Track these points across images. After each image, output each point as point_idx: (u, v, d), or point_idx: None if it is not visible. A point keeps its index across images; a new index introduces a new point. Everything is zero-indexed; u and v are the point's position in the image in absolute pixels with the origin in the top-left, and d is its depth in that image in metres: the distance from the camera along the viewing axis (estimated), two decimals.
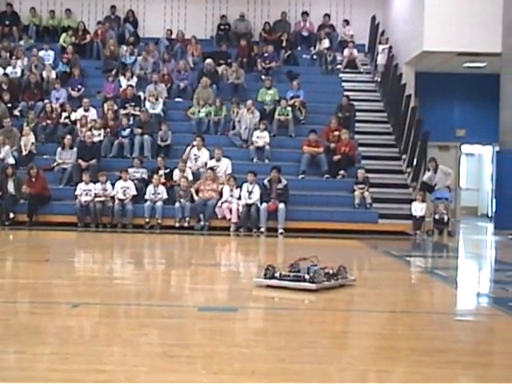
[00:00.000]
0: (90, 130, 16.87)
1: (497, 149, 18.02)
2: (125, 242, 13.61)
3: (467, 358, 4.70)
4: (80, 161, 16.03)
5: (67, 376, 3.97)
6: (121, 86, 18.69)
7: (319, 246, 12.23)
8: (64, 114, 17.63)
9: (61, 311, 6.04)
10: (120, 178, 15.38)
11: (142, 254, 11.72)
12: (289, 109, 17.58)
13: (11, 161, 16.10)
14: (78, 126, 17.17)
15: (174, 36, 21.47)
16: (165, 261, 10.76)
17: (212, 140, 16.85)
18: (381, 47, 20.36)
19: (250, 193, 14.93)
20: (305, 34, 21.80)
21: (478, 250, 14.01)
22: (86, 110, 17.55)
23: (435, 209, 15.59)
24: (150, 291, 7.37)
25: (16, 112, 18.00)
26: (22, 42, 21.12)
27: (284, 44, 20.94)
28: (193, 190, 15.27)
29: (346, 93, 18.97)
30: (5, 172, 15.46)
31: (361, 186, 15.54)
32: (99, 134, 16.88)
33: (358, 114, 18.34)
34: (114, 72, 19.32)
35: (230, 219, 14.83)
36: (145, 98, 18.12)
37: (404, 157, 17.49)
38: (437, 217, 15.51)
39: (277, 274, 7.08)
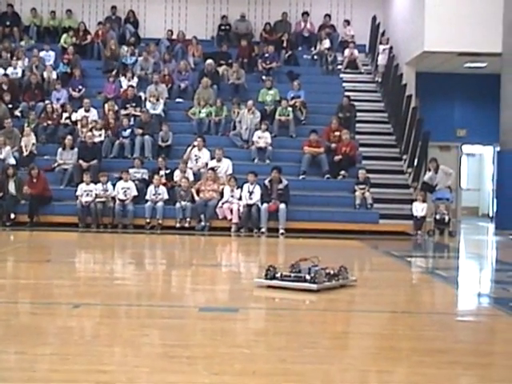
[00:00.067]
0: (91, 130, 16.87)
1: (497, 149, 18.00)
2: (125, 243, 13.61)
3: (468, 358, 4.70)
4: (81, 161, 16.03)
5: (68, 377, 3.97)
6: (121, 87, 18.69)
7: (320, 247, 12.23)
8: (65, 115, 17.63)
9: (62, 312, 6.04)
10: (121, 178, 15.38)
11: (142, 255, 11.72)
12: (289, 109, 17.58)
13: (12, 161, 16.11)
14: (79, 126, 17.17)
15: (174, 36, 21.46)
16: (166, 261, 10.76)
17: (213, 140, 16.85)
18: (381, 47, 20.36)
19: (250, 193, 14.93)
20: (305, 34, 21.80)
21: (478, 251, 14.00)
22: (87, 111, 17.55)
23: (436, 209, 15.59)
24: (151, 292, 7.37)
25: (17, 112, 18.01)
26: (22, 43, 21.12)
27: (285, 44, 20.94)
28: (193, 190, 15.27)
29: (346, 93, 18.97)
30: (6, 172, 15.46)
31: (362, 187, 15.53)
32: (100, 135, 16.88)
33: (358, 114, 18.33)
34: (114, 72, 19.31)
35: (230, 220, 14.83)
36: (145, 99, 18.12)
37: (405, 157, 17.48)
38: (438, 217, 15.50)
39: (278, 275, 7.09)
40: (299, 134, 17.24)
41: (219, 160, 15.96)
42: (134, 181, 15.49)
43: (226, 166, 15.92)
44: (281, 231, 14.63)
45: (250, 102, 17.30)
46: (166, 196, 15.25)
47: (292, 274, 7.08)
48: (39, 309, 6.16)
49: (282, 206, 14.81)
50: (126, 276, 8.84)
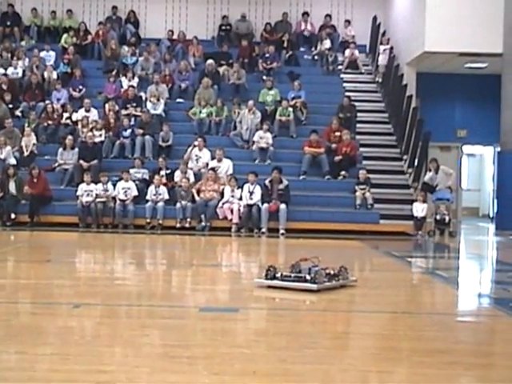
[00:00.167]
0: (92, 130, 16.88)
1: (498, 149, 18.00)
2: (126, 243, 13.62)
3: (468, 358, 4.70)
4: (81, 161, 16.04)
5: (68, 376, 3.98)
6: (122, 87, 18.70)
7: (320, 247, 12.23)
8: (65, 115, 17.64)
9: (62, 312, 6.04)
10: (121, 178, 15.39)
11: (143, 255, 11.72)
12: (290, 109, 17.58)
13: (12, 161, 16.12)
14: (80, 126, 17.17)
15: (175, 36, 21.46)
16: (166, 261, 10.77)
17: (213, 140, 16.85)
18: (382, 48, 20.35)
19: (251, 193, 14.93)
20: (306, 34, 21.79)
21: (479, 251, 14.00)
22: (88, 111, 17.55)
23: (436, 209, 15.59)
24: (151, 292, 7.37)
25: (17, 112, 18.01)
26: (23, 43, 21.13)
27: (285, 44, 20.94)
28: (194, 190, 15.27)
29: (347, 93, 18.97)
30: (6, 172, 15.47)
31: (362, 187, 15.53)
32: (100, 135, 16.88)
33: (359, 114, 18.33)
34: (115, 72, 19.31)
35: (231, 220, 14.83)
36: (146, 99, 18.12)
37: (405, 157, 17.48)
38: (438, 217, 15.50)
39: (278, 275, 7.09)
40: (300, 134, 17.25)
41: (220, 160, 15.96)
42: (134, 181, 15.49)
43: (226, 166, 15.92)
44: (281, 231, 14.63)
45: (250, 103, 17.30)
46: (166, 196, 15.25)
47: (292, 275, 7.08)
48: (40, 309, 6.16)
49: (283, 206, 14.81)
50: (126, 276, 8.84)
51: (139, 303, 6.67)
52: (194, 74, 19.29)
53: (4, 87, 18.46)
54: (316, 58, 20.87)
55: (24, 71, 19.31)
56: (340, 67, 20.64)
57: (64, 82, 18.88)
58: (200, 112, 17.78)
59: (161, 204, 15.10)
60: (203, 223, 14.88)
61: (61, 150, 16.36)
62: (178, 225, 14.94)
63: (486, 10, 17.29)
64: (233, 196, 15.01)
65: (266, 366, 4.30)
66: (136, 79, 18.87)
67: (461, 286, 8.50)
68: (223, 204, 14.95)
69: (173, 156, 16.48)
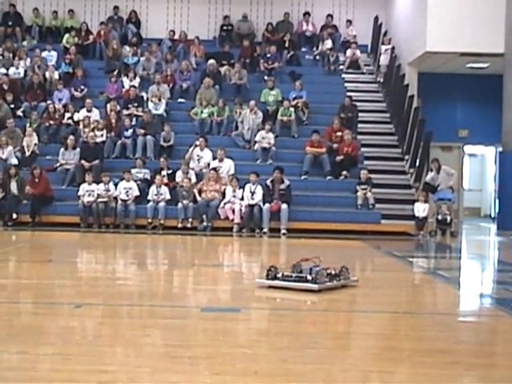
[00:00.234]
0: (93, 130, 16.89)
1: (500, 149, 18.00)
2: (127, 243, 13.62)
3: (470, 358, 4.70)
4: (83, 161, 16.05)
5: (70, 376, 3.98)
6: (123, 87, 18.71)
7: (322, 247, 12.23)
8: (67, 115, 17.65)
9: (63, 312, 6.05)
10: (123, 178, 15.39)
11: (144, 255, 11.72)
12: (291, 109, 17.59)
13: (14, 161, 16.13)
14: (81, 126, 17.18)
15: (176, 36, 21.47)
16: (167, 261, 10.76)
17: (215, 141, 16.85)
18: (383, 48, 20.35)
19: (252, 193, 14.93)
20: (307, 34, 21.79)
21: (480, 251, 14.00)
22: (89, 111, 17.56)
23: (438, 209, 15.58)
24: (153, 292, 7.37)
25: (19, 112, 18.03)
26: (24, 43, 21.14)
27: (287, 44, 20.95)
28: (195, 190, 15.27)
29: (348, 93, 18.97)
30: (8, 172, 15.48)
31: (363, 187, 15.53)
32: (102, 135, 16.89)
33: (360, 114, 18.33)
34: (116, 72, 19.31)
35: (232, 220, 14.83)
36: (147, 99, 18.13)
37: (407, 157, 17.47)
38: (439, 217, 15.49)
39: (279, 275, 7.09)
40: (301, 134, 17.25)
41: (221, 160, 15.96)
42: (135, 181, 15.50)
43: (227, 166, 15.93)
44: (283, 231, 14.63)
45: (252, 103, 17.31)
46: (167, 196, 15.25)
47: (293, 275, 7.08)
48: (41, 309, 6.16)
49: (284, 206, 14.81)
50: (127, 276, 8.84)
51: (141, 303, 6.67)
52: (196, 74, 19.30)
53: (5, 87, 18.47)
54: (317, 58, 20.88)
55: (26, 71, 19.33)
56: (341, 67, 20.64)
57: (66, 82, 18.89)
58: (201, 112, 17.78)
59: (162, 204, 15.11)
60: (205, 223, 14.88)
61: (62, 150, 16.37)
62: (180, 225, 14.94)
63: (488, 10, 17.29)
64: (234, 196, 15.01)
65: (268, 365, 4.31)
66: (137, 79, 18.89)
67: (462, 286, 8.50)
68: (225, 204, 14.95)
69: (174, 156, 16.48)
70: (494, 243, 15.96)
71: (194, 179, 15.55)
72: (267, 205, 14.80)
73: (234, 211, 14.82)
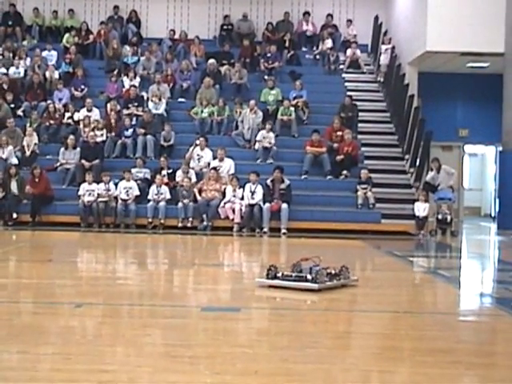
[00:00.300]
0: (93, 130, 16.88)
1: (500, 149, 18.00)
2: (128, 242, 13.63)
3: (470, 358, 4.70)
4: (83, 161, 16.04)
5: (70, 376, 3.98)
6: (124, 86, 18.70)
7: (322, 246, 12.22)
8: (67, 115, 17.65)
9: (64, 311, 6.05)
10: (123, 178, 15.39)
11: (144, 254, 11.72)
12: (292, 109, 17.59)
13: (14, 161, 16.13)
14: (81, 126, 17.18)
15: (176, 36, 21.47)
16: (168, 261, 10.76)
17: (215, 140, 16.85)
18: (384, 47, 20.34)
19: (252, 193, 14.92)
20: (308, 34, 21.79)
21: (481, 250, 14.00)
22: (89, 111, 17.55)
23: (438, 209, 15.58)
24: (153, 291, 7.37)
25: (19, 112, 18.02)
26: (25, 43, 21.13)
27: (287, 44, 20.94)
28: (196, 190, 15.27)
29: (348, 93, 18.96)
30: (8, 172, 15.48)
31: (364, 186, 15.53)
32: (102, 135, 16.89)
33: (360, 114, 18.33)
34: (116, 72, 19.30)
35: (232, 219, 14.83)
36: (148, 98, 18.13)
37: (407, 157, 17.47)
38: (440, 217, 15.49)
39: (279, 274, 7.09)
40: (301, 133, 17.25)
41: (221, 160, 15.96)
42: (136, 180, 15.50)
43: (228, 166, 15.93)
44: (283, 231, 14.63)
45: (252, 102, 17.31)
46: (168, 196, 15.25)
47: (293, 274, 7.08)
48: (41, 308, 6.17)
49: (284, 205, 14.81)
50: (128, 276, 8.84)
51: (141, 303, 6.67)
52: (196, 74, 19.29)
53: (6, 87, 18.47)
54: (318, 57, 20.88)
55: (26, 71, 19.32)
56: (342, 67, 20.63)
57: (66, 82, 18.88)
58: (202, 111, 17.78)
59: (162, 204, 15.11)
60: (205, 223, 14.88)
61: (62, 149, 16.37)
62: (180, 224, 14.94)
63: (488, 10, 17.28)
64: (234, 195, 15.01)
65: (268, 365, 4.31)
66: (138, 79, 18.88)
67: (463, 286, 8.50)
68: (225, 203, 14.95)
69: (174, 156, 16.48)
70: (494, 243, 15.95)
71: (194, 179, 15.55)
72: (267, 204, 14.80)
73: (234, 211, 14.82)
